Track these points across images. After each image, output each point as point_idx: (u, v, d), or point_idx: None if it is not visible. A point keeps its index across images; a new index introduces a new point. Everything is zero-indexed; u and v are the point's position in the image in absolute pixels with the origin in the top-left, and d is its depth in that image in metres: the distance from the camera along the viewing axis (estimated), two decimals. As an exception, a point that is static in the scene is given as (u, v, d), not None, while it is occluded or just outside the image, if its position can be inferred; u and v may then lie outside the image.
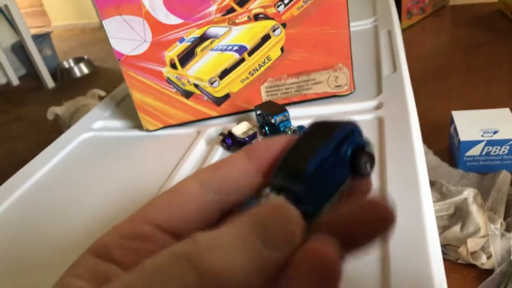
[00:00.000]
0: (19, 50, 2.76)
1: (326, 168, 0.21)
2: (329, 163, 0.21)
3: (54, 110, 1.91)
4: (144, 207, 0.23)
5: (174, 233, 0.22)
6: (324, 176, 0.21)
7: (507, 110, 0.95)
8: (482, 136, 0.90)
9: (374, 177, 0.51)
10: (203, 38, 0.64)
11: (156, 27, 0.64)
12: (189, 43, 0.65)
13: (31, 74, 2.79)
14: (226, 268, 0.17)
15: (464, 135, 0.91)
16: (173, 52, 0.65)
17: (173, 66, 0.66)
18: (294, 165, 0.21)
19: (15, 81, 2.81)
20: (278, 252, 0.18)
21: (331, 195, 0.21)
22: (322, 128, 0.22)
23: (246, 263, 0.17)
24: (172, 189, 0.23)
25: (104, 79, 2.54)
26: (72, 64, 2.73)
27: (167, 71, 0.67)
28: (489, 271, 0.71)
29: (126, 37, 0.65)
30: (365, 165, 0.22)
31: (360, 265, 0.40)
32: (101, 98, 2.02)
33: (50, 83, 2.65)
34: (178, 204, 0.22)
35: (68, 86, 2.61)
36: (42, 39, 2.78)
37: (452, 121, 0.97)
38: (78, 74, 2.72)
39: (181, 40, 0.64)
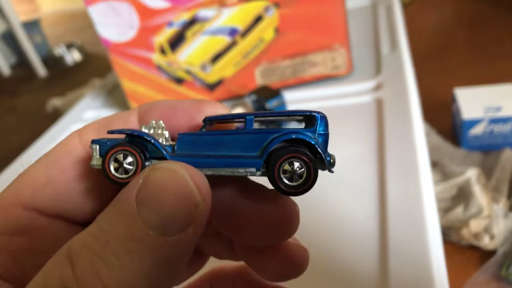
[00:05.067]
0: (9, 39, 2.71)
1: (236, 136, 0.17)
2: (245, 134, 0.17)
3: (53, 103, 1.88)
4: (17, 186, 0.18)
5: (61, 216, 0.18)
6: (223, 140, 0.17)
7: (511, 86, 0.92)
8: (485, 113, 0.88)
9: (373, 161, 0.49)
10: (192, 21, 0.61)
11: (144, 11, 0.61)
12: (178, 27, 0.62)
13: (22, 62, 2.74)
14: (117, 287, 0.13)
15: (467, 113, 0.89)
16: (163, 37, 0.63)
17: (163, 51, 0.63)
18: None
19: (6, 71, 2.77)
20: (183, 235, 0.14)
21: (215, 164, 0.16)
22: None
23: (144, 269, 0.13)
24: (54, 158, 0.18)
25: (97, 65, 2.50)
26: (64, 51, 2.69)
27: (156, 57, 0.64)
28: (493, 252, 0.70)
29: (113, 23, 0.62)
30: (290, 175, 0.16)
31: (358, 248, 0.39)
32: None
33: (42, 71, 2.61)
34: (64, 182, 0.18)
35: (61, 73, 2.57)
36: (32, 26, 2.72)
37: (454, 99, 0.95)
38: (70, 61, 2.68)
39: (170, 24, 0.62)
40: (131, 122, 0.19)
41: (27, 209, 0.17)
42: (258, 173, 0.16)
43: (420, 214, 0.40)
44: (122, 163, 0.16)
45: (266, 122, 0.18)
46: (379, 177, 0.47)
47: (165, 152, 0.17)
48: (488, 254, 0.70)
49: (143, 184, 0.14)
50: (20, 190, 0.17)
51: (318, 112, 0.17)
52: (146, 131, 0.17)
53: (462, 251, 0.70)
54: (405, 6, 1.78)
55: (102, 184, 0.18)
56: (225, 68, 0.65)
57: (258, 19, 0.62)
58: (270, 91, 0.60)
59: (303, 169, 0.16)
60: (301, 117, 0.17)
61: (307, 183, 0.16)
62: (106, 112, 0.77)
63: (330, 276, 0.38)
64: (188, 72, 0.65)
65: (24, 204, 0.17)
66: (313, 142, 0.16)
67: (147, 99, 0.68)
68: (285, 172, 0.16)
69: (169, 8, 0.60)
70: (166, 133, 0.17)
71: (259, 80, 0.66)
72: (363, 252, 0.39)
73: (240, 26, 0.62)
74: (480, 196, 0.72)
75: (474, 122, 0.88)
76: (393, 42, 0.73)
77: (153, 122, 0.17)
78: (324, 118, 0.17)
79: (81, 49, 2.73)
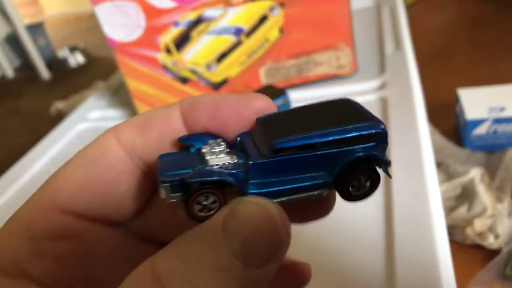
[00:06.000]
0: (13, 42, 2.72)
1: (305, 157, 0.16)
2: (314, 155, 0.16)
3: (57, 106, 1.89)
4: (53, 189, 0.17)
5: (100, 219, 0.18)
6: (293, 163, 0.16)
7: (514, 86, 0.93)
8: (488, 114, 0.88)
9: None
10: (198, 21, 0.62)
11: (150, 11, 0.61)
12: (184, 27, 0.62)
13: (25, 65, 2.76)
14: None
15: (470, 113, 0.89)
16: (168, 37, 0.63)
17: (168, 51, 0.64)
18: (274, 132, 0.17)
19: (10, 73, 2.78)
20: (264, 269, 0.14)
21: (289, 192, 0.17)
22: (348, 109, 0.18)
23: None
24: (91, 159, 0.17)
25: (101, 68, 2.51)
26: (67, 54, 2.70)
27: (162, 57, 0.64)
28: (497, 252, 0.70)
29: (119, 23, 0.62)
30: (357, 187, 0.17)
31: (365, 248, 0.39)
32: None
33: (45, 74, 2.62)
34: (104, 184, 0.17)
35: (64, 76, 2.58)
36: (35, 29, 2.74)
37: (458, 99, 0.95)
38: (74, 63, 2.69)
39: (176, 24, 0.62)
40: (174, 120, 0.18)
41: (66, 213, 0.17)
42: (329, 191, 0.17)
43: (426, 213, 0.40)
44: (206, 204, 0.16)
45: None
46: (384, 176, 0.47)
47: (248, 190, 0.16)
48: (492, 253, 0.70)
49: (231, 215, 0.14)
50: (57, 193, 0.17)
51: (383, 129, 0.17)
52: (206, 151, 0.17)
53: (466, 251, 0.70)
54: (408, 7, 1.79)
55: (142, 185, 0.18)
56: (230, 68, 0.65)
57: (263, 19, 0.62)
58: (275, 90, 0.60)
59: (368, 182, 0.17)
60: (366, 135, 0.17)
61: (371, 190, 0.17)
62: (111, 112, 0.78)
63: (335, 276, 0.37)
64: (193, 71, 0.66)
65: (62, 208, 0.17)
66: (382, 159, 0.17)
67: (152, 98, 0.68)
68: (353, 186, 0.17)
69: (175, 7, 0.61)
70: (227, 150, 0.17)
71: (263, 79, 0.67)
72: (369, 252, 0.39)
73: (245, 26, 0.62)
74: (484, 195, 0.72)
75: (477, 122, 0.88)
76: (397, 41, 0.74)
77: (211, 142, 0.17)
78: (386, 134, 0.17)
79: (84, 52, 2.74)
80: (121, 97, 0.82)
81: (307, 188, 0.17)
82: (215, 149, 0.17)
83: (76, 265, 0.17)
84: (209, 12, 0.61)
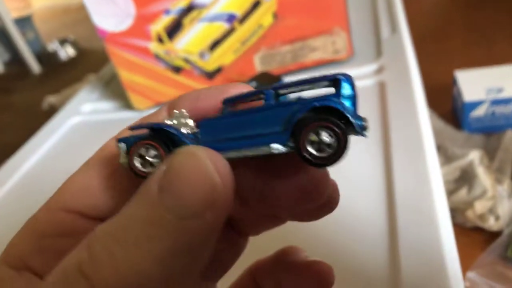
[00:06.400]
0: (1, 36, 2.68)
1: (256, 111, 0.16)
2: (266, 108, 0.16)
3: (49, 100, 1.86)
4: (60, 192, 0.19)
5: (101, 217, 0.19)
6: (244, 119, 0.16)
7: (511, 67, 0.92)
8: (486, 95, 0.87)
9: (378, 145, 0.48)
10: (189, 8, 0.60)
11: (139, -1, 0.59)
12: (175, 15, 0.61)
13: (15, 59, 2.72)
14: (130, 271, 0.13)
15: (468, 95, 0.88)
16: (160, 25, 0.61)
17: (160, 40, 0.62)
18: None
19: (0, 68, 2.74)
20: (203, 220, 0.13)
21: (239, 147, 0.16)
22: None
23: (160, 254, 0.13)
24: (91, 163, 0.19)
25: (92, 60, 2.48)
26: (57, 46, 2.66)
27: (154, 46, 0.63)
28: (498, 234, 0.69)
29: (109, 13, 0.60)
30: (318, 145, 0.15)
31: (368, 233, 0.39)
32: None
33: (36, 68, 2.58)
34: (100, 184, 0.18)
35: (55, 69, 2.54)
36: (24, 22, 2.69)
37: (455, 81, 0.94)
38: (64, 56, 2.65)
39: (167, 11, 0.60)
40: (161, 117, 0.19)
41: (69, 213, 0.18)
42: (285, 149, 0.15)
43: (429, 197, 0.40)
44: (146, 157, 0.16)
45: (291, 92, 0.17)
46: (385, 161, 0.46)
47: (187, 140, 0.16)
48: (493, 235, 0.69)
49: (165, 170, 0.14)
50: (62, 195, 0.19)
51: (343, 74, 0.15)
52: (170, 122, 0.17)
53: (467, 233, 0.70)
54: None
55: (138, 183, 0.18)
56: (224, 56, 0.64)
57: (256, 4, 0.61)
58: (271, 77, 0.59)
59: (331, 138, 0.15)
60: (327, 83, 0.16)
61: (338, 152, 0.15)
62: (104, 104, 0.76)
63: (337, 262, 0.37)
64: (187, 60, 0.64)
65: (66, 208, 0.18)
66: (338, 107, 0.14)
67: (145, 89, 0.67)
68: (312, 143, 0.15)
69: (165, -5, 0.59)
70: (190, 121, 0.17)
71: (258, 67, 0.65)
72: (372, 237, 0.38)
73: (238, 12, 0.61)
74: (483, 177, 0.72)
75: (475, 104, 0.87)
76: (393, 25, 0.73)
77: (176, 112, 0.17)
78: (348, 79, 0.15)
79: (74, 44, 2.70)
80: (113, 88, 0.80)
81: (257, 143, 0.16)
82: (175, 115, 0.17)
83: None
84: (200, -1, 0.60)
